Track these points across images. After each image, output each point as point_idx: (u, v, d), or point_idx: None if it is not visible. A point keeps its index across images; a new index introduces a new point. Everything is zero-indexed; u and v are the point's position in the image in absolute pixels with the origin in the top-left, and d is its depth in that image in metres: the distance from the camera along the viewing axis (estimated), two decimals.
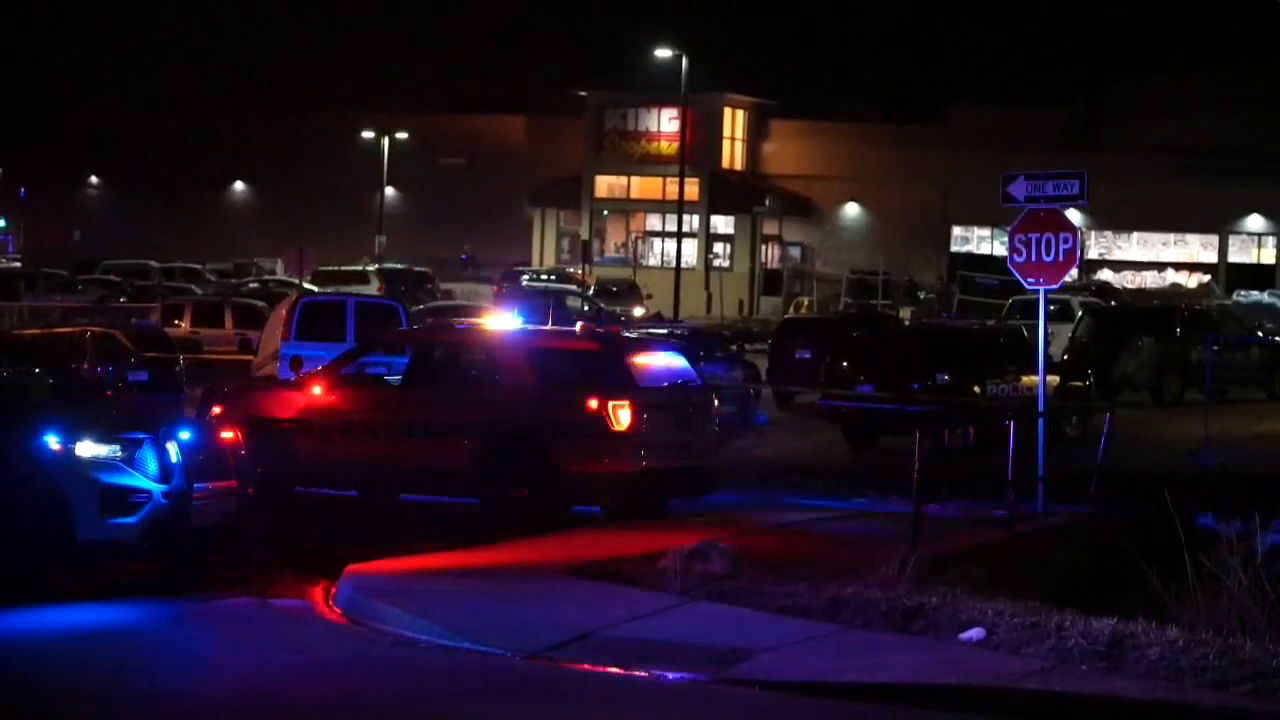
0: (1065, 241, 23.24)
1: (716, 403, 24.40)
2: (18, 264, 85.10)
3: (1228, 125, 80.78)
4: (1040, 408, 24.12)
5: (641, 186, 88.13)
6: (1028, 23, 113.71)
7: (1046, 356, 24.69)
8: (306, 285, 54.48)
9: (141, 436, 17.46)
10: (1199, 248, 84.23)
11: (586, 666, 14.42)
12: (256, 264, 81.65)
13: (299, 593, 17.97)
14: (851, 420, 33.68)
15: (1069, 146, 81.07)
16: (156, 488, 17.29)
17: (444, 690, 13.88)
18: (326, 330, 34.31)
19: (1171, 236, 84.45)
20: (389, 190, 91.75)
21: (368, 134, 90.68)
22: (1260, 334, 45.71)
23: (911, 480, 18.91)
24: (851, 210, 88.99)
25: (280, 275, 72.62)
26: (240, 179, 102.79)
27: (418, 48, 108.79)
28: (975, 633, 14.45)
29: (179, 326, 44.88)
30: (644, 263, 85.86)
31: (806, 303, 73.36)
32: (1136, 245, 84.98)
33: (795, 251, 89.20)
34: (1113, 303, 59.95)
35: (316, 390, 23.90)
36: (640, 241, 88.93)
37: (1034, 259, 23.27)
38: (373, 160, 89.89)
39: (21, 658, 14.87)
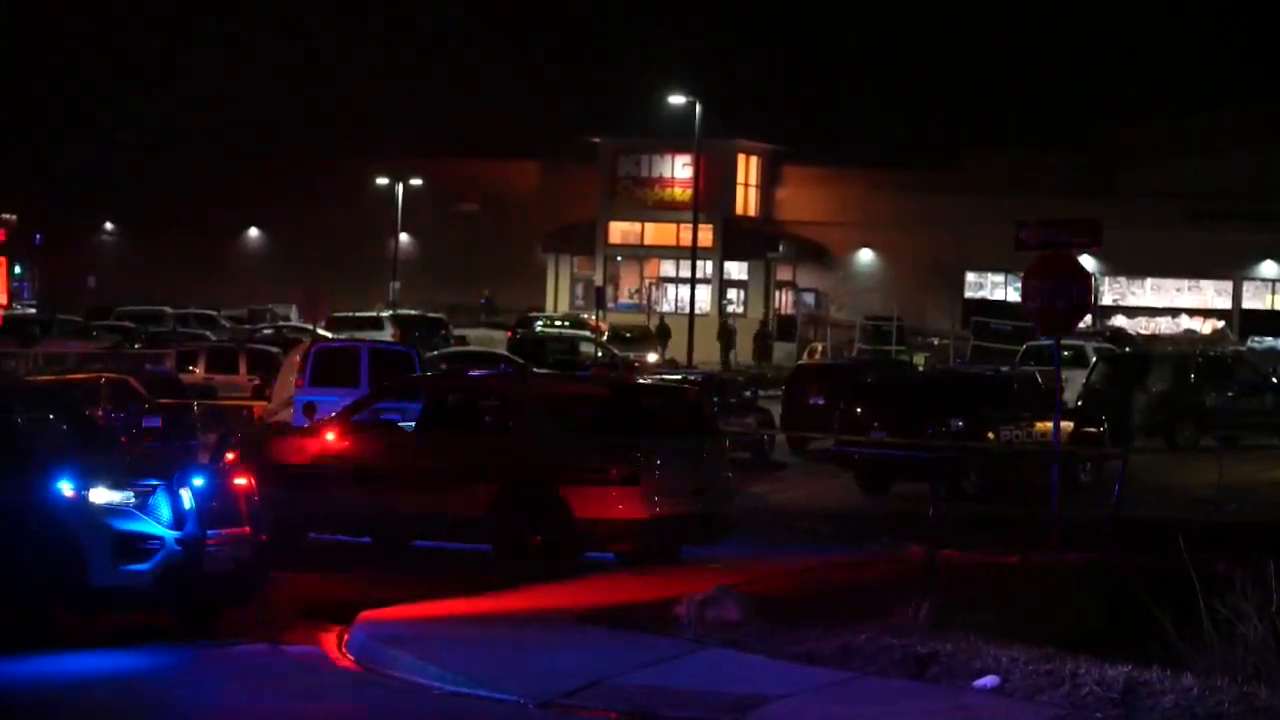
0: (1079, 288, 23.25)
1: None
2: (33, 309, 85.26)
3: (1239, 167, 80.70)
4: (1055, 453, 24.11)
5: (655, 232, 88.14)
6: (1040, 67, 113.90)
7: (1061, 402, 24.66)
8: (320, 331, 54.38)
9: (155, 483, 17.45)
10: (1213, 294, 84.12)
11: (599, 714, 14.38)
12: (271, 310, 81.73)
13: (312, 639, 17.95)
14: (865, 466, 33.65)
15: (1082, 191, 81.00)
16: (170, 534, 17.29)
17: None
18: (341, 376, 34.23)
19: (1185, 283, 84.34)
20: (403, 236, 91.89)
21: (382, 180, 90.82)
22: (1275, 379, 45.64)
23: (925, 526, 18.87)
24: (865, 256, 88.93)
25: (295, 321, 72.65)
26: (255, 225, 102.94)
27: (431, 94, 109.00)
28: (990, 680, 14.41)
29: (194, 372, 44.88)
30: (658, 308, 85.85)
31: (820, 349, 73.27)
32: (1150, 291, 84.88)
33: (809, 298, 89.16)
34: (1127, 349, 59.90)
35: (330, 436, 23.91)
36: (654, 287, 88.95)
37: (1048, 305, 23.26)
38: (387, 206, 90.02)
39: (34, 704, 14.85)
